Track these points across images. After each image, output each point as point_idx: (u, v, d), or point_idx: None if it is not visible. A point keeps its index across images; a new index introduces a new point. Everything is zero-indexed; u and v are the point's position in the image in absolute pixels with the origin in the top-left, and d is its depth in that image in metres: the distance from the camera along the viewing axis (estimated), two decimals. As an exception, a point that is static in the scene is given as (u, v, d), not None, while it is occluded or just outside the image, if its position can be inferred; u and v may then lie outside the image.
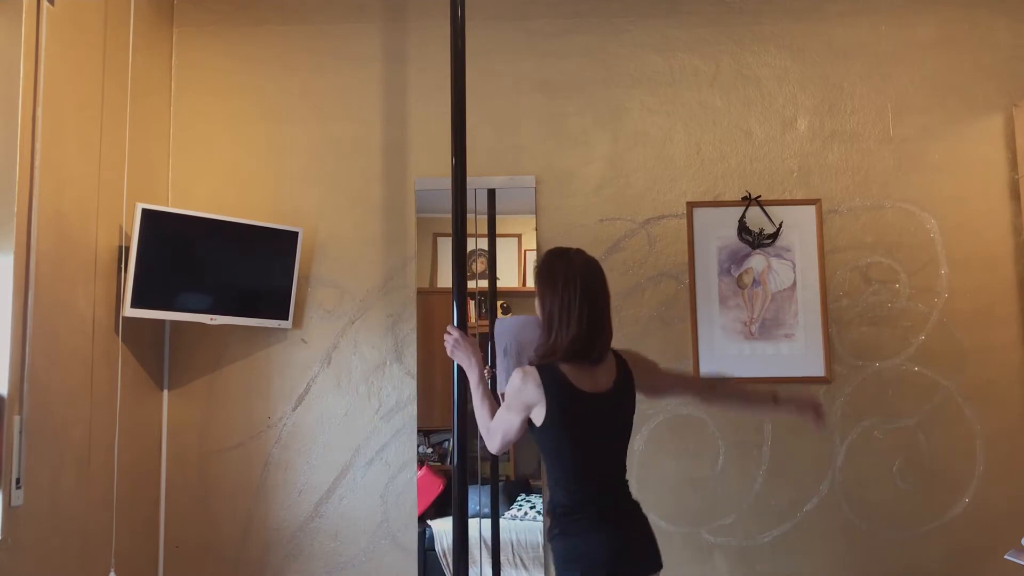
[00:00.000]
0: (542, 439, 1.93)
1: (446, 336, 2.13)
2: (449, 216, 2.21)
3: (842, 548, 3.07)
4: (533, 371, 1.90)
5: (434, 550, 3.12)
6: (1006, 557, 2.39)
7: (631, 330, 3.19)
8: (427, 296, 3.26)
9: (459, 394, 2.21)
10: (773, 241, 3.21)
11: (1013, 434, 3.10)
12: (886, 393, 3.13)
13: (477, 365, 2.08)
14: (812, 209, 3.22)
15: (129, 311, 2.82)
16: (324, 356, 3.24)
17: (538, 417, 1.90)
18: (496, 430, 1.99)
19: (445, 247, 3.25)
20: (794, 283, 3.19)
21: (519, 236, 3.32)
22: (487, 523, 3.16)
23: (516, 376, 1.90)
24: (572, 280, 1.92)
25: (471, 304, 3.24)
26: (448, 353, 2.13)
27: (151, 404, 3.15)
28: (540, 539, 3.13)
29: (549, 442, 1.93)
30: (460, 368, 2.19)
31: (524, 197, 3.27)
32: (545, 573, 3.11)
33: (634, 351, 2.13)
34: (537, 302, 2.00)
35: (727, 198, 3.26)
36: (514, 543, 3.14)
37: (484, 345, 3.14)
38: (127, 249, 2.84)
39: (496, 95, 3.31)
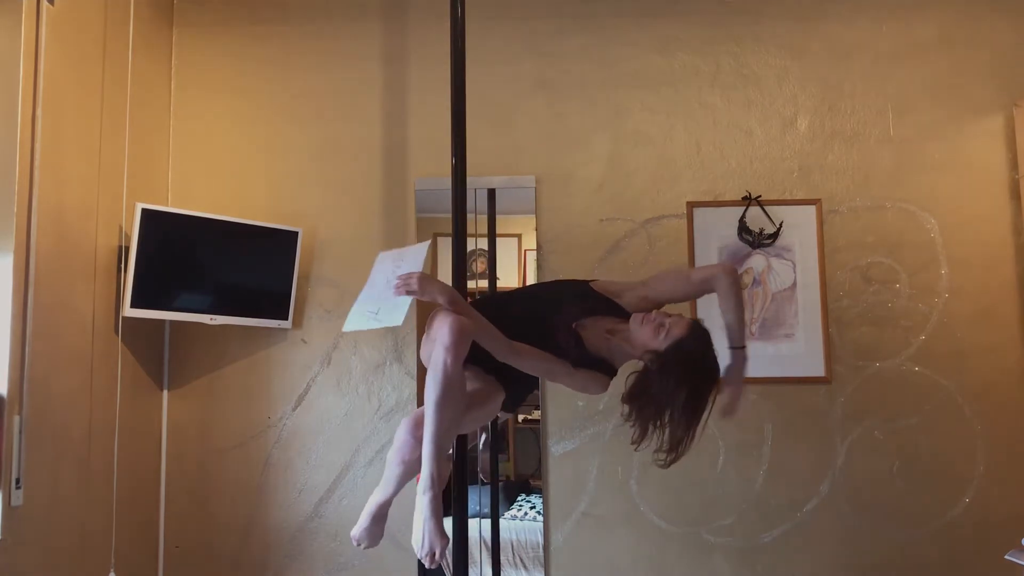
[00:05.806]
0: None
1: (405, 280, 1.82)
2: (449, 216, 2.20)
3: (842, 548, 3.07)
4: None
5: (434, 550, 3.12)
6: (1006, 557, 2.39)
7: (631, 330, 3.18)
8: (427, 296, 3.25)
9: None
10: (773, 241, 3.21)
11: (1013, 434, 3.10)
12: (886, 393, 3.13)
13: (449, 292, 1.85)
14: (812, 209, 3.22)
15: (129, 311, 2.82)
16: (324, 356, 3.24)
17: None
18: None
19: (445, 247, 3.24)
20: (794, 283, 3.19)
21: (519, 236, 3.32)
22: (487, 523, 3.16)
23: None
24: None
25: (471, 304, 3.23)
26: (419, 294, 1.82)
27: (151, 404, 3.15)
28: (540, 539, 3.13)
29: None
30: None
31: (524, 197, 3.27)
32: (545, 573, 3.11)
33: None
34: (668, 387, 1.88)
35: (727, 198, 3.25)
36: (514, 543, 3.14)
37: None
38: (127, 249, 2.84)
39: (496, 95, 3.31)
